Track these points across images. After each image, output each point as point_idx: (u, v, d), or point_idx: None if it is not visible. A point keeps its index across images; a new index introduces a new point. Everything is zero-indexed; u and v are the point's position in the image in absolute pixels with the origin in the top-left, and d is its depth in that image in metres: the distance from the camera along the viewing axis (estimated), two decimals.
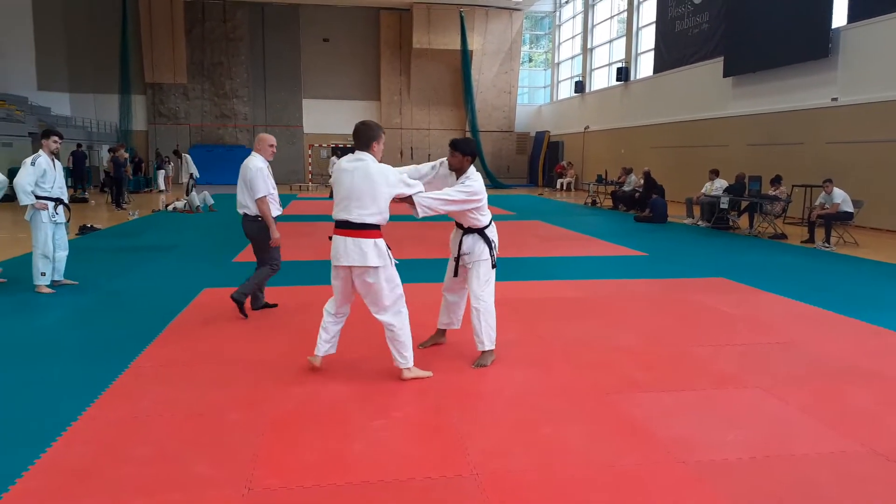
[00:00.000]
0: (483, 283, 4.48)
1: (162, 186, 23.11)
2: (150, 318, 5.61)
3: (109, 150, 19.03)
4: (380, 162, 4.07)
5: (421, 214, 4.17)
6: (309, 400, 3.83)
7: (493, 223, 4.58)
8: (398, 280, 4.12)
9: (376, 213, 3.95)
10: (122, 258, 8.90)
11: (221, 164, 28.48)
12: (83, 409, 3.62)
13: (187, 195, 16.83)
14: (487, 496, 2.77)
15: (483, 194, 4.37)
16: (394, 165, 4.28)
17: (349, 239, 3.94)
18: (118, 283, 7.19)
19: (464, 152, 4.38)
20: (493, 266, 4.53)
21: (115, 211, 15.88)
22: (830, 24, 14.29)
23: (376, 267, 3.94)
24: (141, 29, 27.69)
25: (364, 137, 4.04)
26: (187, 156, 18.83)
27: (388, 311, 4.07)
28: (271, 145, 5.95)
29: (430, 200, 4.13)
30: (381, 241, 3.99)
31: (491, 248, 4.51)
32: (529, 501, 2.75)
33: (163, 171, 23.64)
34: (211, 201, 16.34)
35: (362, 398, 3.86)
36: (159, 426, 3.44)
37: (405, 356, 4.14)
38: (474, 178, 4.34)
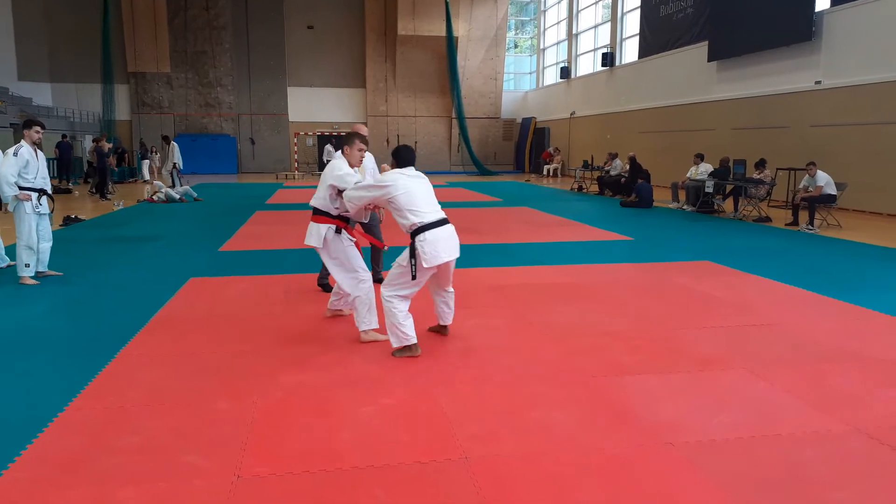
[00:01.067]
0: (387, 280, 4.43)
1: (146, 176, 22.93)
2: (137, 308, 5.57)
3: (93, 141, 18.80)
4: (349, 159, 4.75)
5: (347, 206, 4.53)
6: (298, 388, 3.83)
7: (432, 230, 4.25)
8: (345, 257, 4.64)
9: (320, 198, 4.69)
10: (108, 249, 8.83)
11: (206, 153, 28.32)
12: (70, 399, 3.60)
13: (173, 185, 16.72)
14: (477, 480, 2.79)
15: (392, 188, 4.26)
16: (380, 153, 4.36)
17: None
18: (104, 274, 7.14)
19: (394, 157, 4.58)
20: (413, 277, 4.25)
21: (100, 202, 15.72)
22: (814, 8, 14.34)
23: (316, 247, 4.68)
24: (123, 17, 27.32)
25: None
26: (175, 144, 18.64)
27: (343, 282, 4.70)
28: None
29: (348, 192, 4.48)
30: (323, 226, 4.63)
31: (412, 257, 4.23)
32: (519, 485, 2.77)
33: (147, 161, 23.45)
34: (193, 193, 16.17)
35: (351, 385, 3.86)
36: (147, 416, 3.43)
37: (361, 321, 4.63)
38: (391, 174, 4.44)
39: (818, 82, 14.38)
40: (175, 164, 18.07)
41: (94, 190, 17.01)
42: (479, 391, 3.80)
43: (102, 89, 27.70)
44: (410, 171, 4.45)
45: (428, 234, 4.21)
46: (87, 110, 27.40)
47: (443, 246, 4.26)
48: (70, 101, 27.07)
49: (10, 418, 3.39)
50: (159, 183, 16.29)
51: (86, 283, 6.71)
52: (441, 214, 4.37)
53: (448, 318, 4.81)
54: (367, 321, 4.63)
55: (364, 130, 6.00)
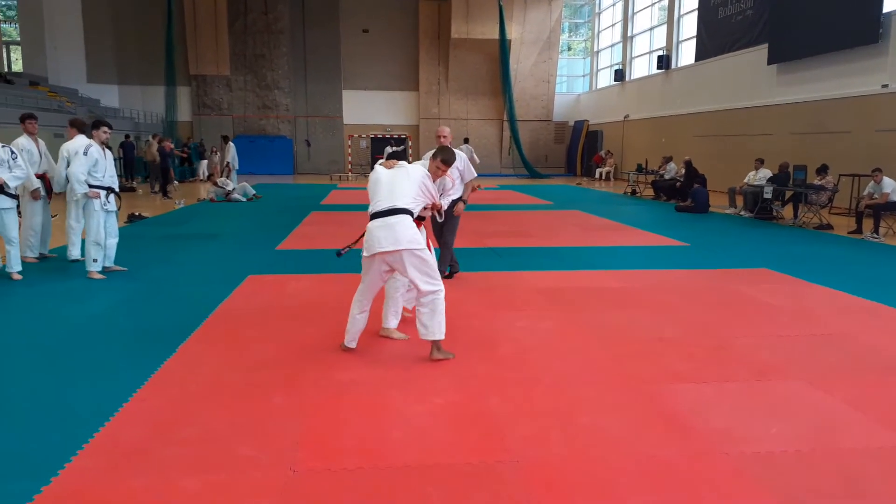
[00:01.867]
0: None
1: (203, 176, 23.60)
2: (197, 304, 5.75)
3: (156, 140, 19.41)
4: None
5: None
6: (351, 385, 3.90)
7: (374, 220, 4.30)
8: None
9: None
10: (170, 245, 9.13)
11: (263, 154, 28.96)
12: (134, 391, 3.75)
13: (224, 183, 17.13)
14: (529, 483, 2.80)
15: (372, 181, 4.54)
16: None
17: None
18: (166, 270, 7.39)
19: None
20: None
21: (162, 200, 16.24)
22: (881, 9, 13.82)
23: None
24: (185, 22, 28.17)
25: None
26: (232, 144, 19.12)
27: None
28: (441, 136, 6.39)
29: None
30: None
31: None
32: (569, 490, 2.77)
33: (205, 161, 24.09)
34: (252, 191, 16.53)
35: (403, 384, 3.92)
36: (206, 408, 3.54)
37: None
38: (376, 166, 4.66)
39: (885, 85, 13.85)
40: (228, 163, 18.50)
41: (160, 190, 17.60)
42: (529, 394, 3.81)
43: (166, 91, 28.63)
44: (404, 163, 4.58)
45: (370, 224, 4.28)
46: (151, 111, 28.35)
47: (375, 236, 4.21)
48: (135, 103, 28.05)
49: (78, 408, 3.55)
50: (225, 180, 16.63)
51: (149, 278, 6.95)
52: (394, 205, 4.24)
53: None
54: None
55: (444, 131, 6.26)
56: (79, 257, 7.50)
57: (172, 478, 2.81)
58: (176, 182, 19.45)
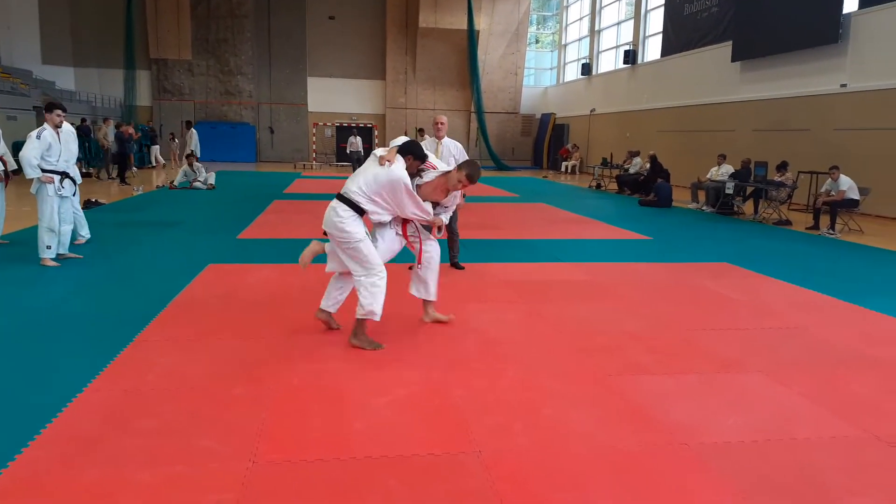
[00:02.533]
0: None
1: (154, 163, 23.03)
2: (155, 293, 5.62)
3: (104, 121, 18.83)
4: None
5: None
6: (313, 376, 3.85)
7: None
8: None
9: None
10: (127, 233, 8.91)
11: (225, 141, 28.48)
12: (88, 381, 3.65)
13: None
14: (490, 474, 2.79)
15: None
16: None
17: None
18: (123, 258, 7.21)
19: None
20: None
21: (120, 186, 15.86)
22: (842, 10, 14.14)
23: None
24: (146, 3, 27.50)
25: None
26: (194, 131, 18.71)
27: None
28: (439, 123, 6.47)
29: None
30: None
31: None
32: (532, 480, 2.77)
33: (157, 147, 23.45)
34: (211, 180, 16.16)
35: (366, 375, 3.88)
36: (164, 399, 3.46)
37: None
38: None
39: (843, 85, 14.19)
40: (192, 151, 18.14)
41: (113, 175, 17.15)
42: (493, 385, 3.80)
43: (124, 75, 27.94)
44: (399, 158, 4.36)
45: None
46: (110, 95, 27.62)
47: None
48: (93, 86, 27.31)
49: (30, 399, 3.44)
50: (198, 166, 16.19)
51: (105, 266, 6.78)
52: (342, 191, 4.34)
53: (331, 306, 4.68)
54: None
55: (442, 119, 6.30)
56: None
57: (128, 470, 2.74)
58: (135, 168, 19.00)
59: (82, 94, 26.35)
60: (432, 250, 4.76)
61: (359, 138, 22.33)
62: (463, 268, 6.98)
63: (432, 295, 4.85)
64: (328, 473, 2.76)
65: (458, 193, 4.76)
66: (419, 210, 4.41)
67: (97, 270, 6.55)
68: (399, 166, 4.28)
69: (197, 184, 15.53)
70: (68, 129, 6.86)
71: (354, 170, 22.26)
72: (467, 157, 6.45)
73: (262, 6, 29.01)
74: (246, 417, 3.26)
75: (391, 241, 4.61)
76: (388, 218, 4.44)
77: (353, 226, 4.24)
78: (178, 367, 3.93)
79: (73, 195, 7.06)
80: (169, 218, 10.63)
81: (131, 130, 18.81)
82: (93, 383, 3.63)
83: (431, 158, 4.66)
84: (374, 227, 4.56)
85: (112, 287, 5.95)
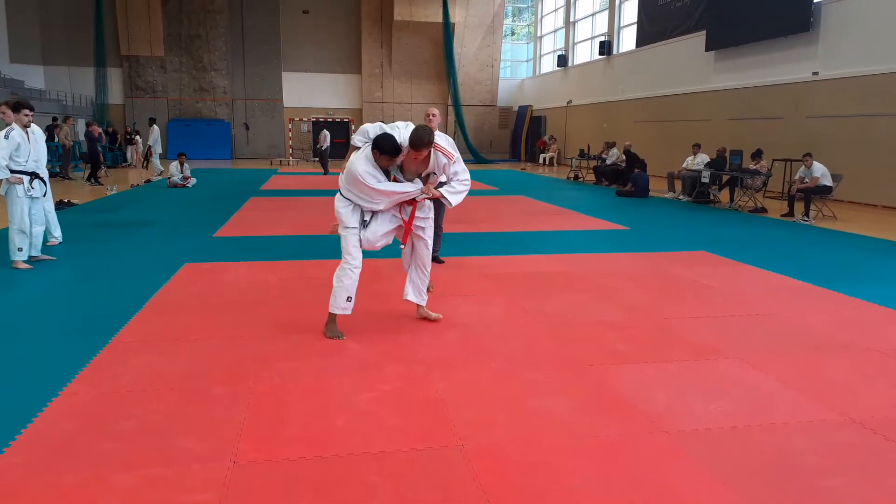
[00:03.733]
0: None
1: (131, 161, 22.73)
2: (131, 294, 5.55)
3: (65, 120, 18.48)
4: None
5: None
6: (294, 374, 3.83)
7: None
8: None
9: None
10: (101, 233, 8.79)
11: (200, 138, 28.18)
12: (64, 384, 3.59)
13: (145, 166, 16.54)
14: (472, 467, 2.79)
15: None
16: None
17: None
18: (97, 259, 7.11)
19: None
20: None
21: (92, 186, 15.61)
22: None
23: None
24: (116, 0, 27.06)
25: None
26: (155, 127, 18.41)
27: None
28: (430, 115, 6.38)
29: None
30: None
31: None
32: (514, 472, 2.78)
33: (133, 146, 23.18)
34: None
35: (347, 372, 3.86)
36: (142, 401, 3.42)
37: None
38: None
39: (815, 73, 14.37)
40: (150, 147, 17.85)
41: (69, 175, 16.83)
42: (475, 378, 3.81)
43: (95, 72, 27.49)
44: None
45: None
46: (80, 93, 27.17)
47: None
48: (63, 84, 26.83)
49: (5, 403, 3.37)
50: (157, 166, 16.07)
51: (79, 267, 6.68)
52: None
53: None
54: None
55: (433, 111, 6.31)
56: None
57: (106, 473, 2.70)
58: (104, 168, 18.65)
59: (52, 92, 25.87)
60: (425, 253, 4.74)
61: (327, 133, 21.42)
62: (443, 261, 6.97)
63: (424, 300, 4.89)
64: (310, 471, 2.75)
65: (445, 162, 4.58)
66: (390, 198, 4.36)
67: (71, 272, 6.45)
68: (358, 159, 4.27)
69: (175, 179, 15.36)
70: (37, 129, 6.74)
71: (323, 166, 21.92)
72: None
73: (236, 1, 28.70)
74: (226, 417, 3.23)
75: (384, 222, 4.49)
76: (376, 207, 4.39)
77: (345, 215, 4.36)
78: (156, 367, 3.88)
79: (45, 196, 6.94)
80: (144, 217, 10.50)
81: (100, 129, 18.49)
82: (69, 386, 3.57)
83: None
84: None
85: (86, 288, 5.86)
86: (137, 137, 23.15)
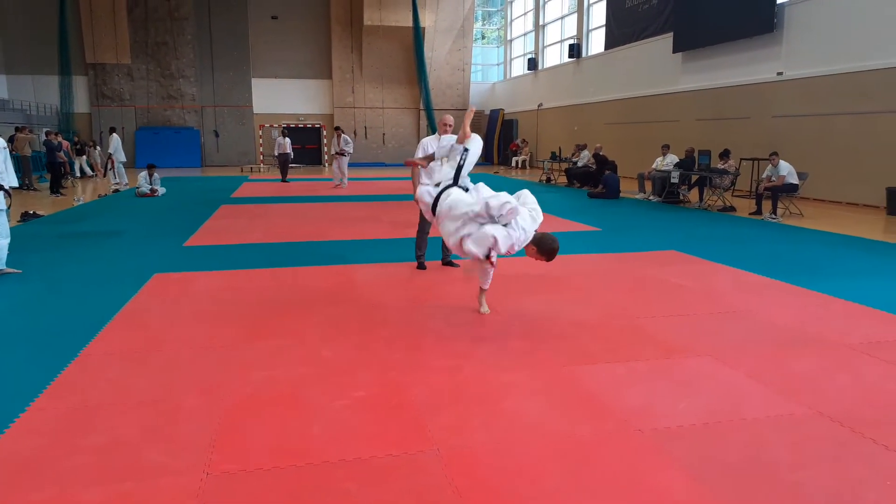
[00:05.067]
0: None
1: (78, 173, 21.97)
2: (99, 306, 5.46)
3: (22, 130, 18.06)
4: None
5: None
6: (268, 383, 3.79)
7: None
8: None
9: None
10: (69, 245, 8.63)
11: (169, 146, 27.83)
12: (32, 399, 3.51)
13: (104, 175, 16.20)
14: (448, 471, 2.79)
15: None
16: None
17: None
18: (64, 271, 6.98)
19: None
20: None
21: (55, 197, 15.29)
22: (776, 0, 14.57)
23: None
24: (80, 7, 26.64)
25: None
26: (115, 136, 17.99)
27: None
28: (446, 124, 6.53)
29: None
30: None
31: None
32: (490, 475, 2.78)
33: (84, 157, 22.42)
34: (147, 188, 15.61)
35: (321, 380, 3.84)
36: (111, 414, 3.36)
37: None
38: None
39: (780, 73, 14.64)
40: (111, 154, 17.48)
41: (31, 186, 16.47)
42: (450, 382, 3.80)
43: (60, 81, 27.00)
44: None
45: None
46: (45, 102, 26.66)
47: None
48: (26, 93, 26.30)
49: None
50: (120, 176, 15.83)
51: (46, 280, 6.55)
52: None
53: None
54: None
55: (449, 119, 6.54)
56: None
57: (75, 490, 2.65)
58: (70, 178, 18.31)
59: (15, 102, 25.36)
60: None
61: (287, 139, 20.02)
62: (458, 265, 6.93)
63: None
64: (285, 481, 2.73)
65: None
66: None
67: (37, 285, 6.33)
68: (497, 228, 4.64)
69: (143, 189, 15.14)
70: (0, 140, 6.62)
71: (283, 173, 21.40)
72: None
73: (203, 8, 28.40)
74: (198, 429, 3.19)
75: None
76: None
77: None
78: (126, 380, 3.82)
79: (9, 208, 6.80)
80: (112, 228, 10.34)
81: (60, 138, 18.08)
82: (36, 402, 3.50)
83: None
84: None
85: (54, 301, 5.75)
86: (90, 149, 22.40)
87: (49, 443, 3.05)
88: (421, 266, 6.95)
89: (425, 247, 7.03)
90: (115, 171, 17.65)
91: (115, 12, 26.95)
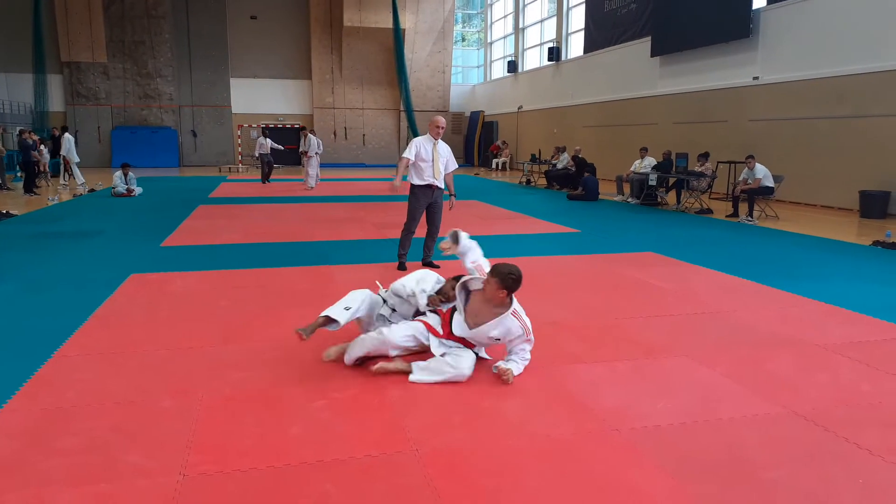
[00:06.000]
0: None
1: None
2: (74, 306, 5.38)
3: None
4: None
5: None
6: (246, 384, 3.76)
7: None
8: None
9: None
10: (42, 245, 8.50)
11: (146, 146, 27.51)
12: (4, 400, 3.46)
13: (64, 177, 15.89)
14: (427, 471, 2.79)
15: None
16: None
17: None
18: (38, 271, 6.87)
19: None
20: None
21: (29, 197, 15.04)
22: (751, 6, 14.78)
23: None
24: (55, 4, 26.24)
25: None
26: (67, 136, 17.54)
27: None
28: (438, 127, 6.76)
29: None
30: None
31: None
32: (469, 474, 2.79)
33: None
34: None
35: (300, 381, 3.81)
36: (87, 416, 3.31)
37: None
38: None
39: (756, 78, 14.83)
40: (64, 157, 17.09)
41: (23, 186, 16.17)
42: (428, 385, 3.79)
43: (34, 79, 26.57)
44: None
45: None
46: (19, 101, 26.22)
47: None
48: (0, 92, 25.86)
49: None
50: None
51: (19, 280, 6.44)
52: None
53: None
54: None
55: (441, 122, 6.72)
56: None
57: (50, 491, 2.61)
58: (45, 179, 17.93)
59: None
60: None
61: (269, 140, 19.29)
62: (438, 266, 6.96)
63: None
64: (262, 482, 2.71)
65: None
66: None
67: (10, 285, 6.22)
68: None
69: (119, 189, 14.95)
70: None
71: (264, 174, 20.93)
72: (454, 159, 7.01)
73: (180, 6, 28.13)
74: (175, 430, 3.16)
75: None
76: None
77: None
78: (102, 381, 3.77)
79: None
80: (87, 227, 10.20)
81: (35, 136, 17.70)
82: (9, 403, 3.44)
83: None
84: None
85: (27, 302, 5.66)
86: (43, 147, 21.67)
87: (23, 444, 3.00)
88: (402, 266, 6.94)
89: (409, 246, 7.03)
90: (72, 172, 17.25)
91: (90, 10, 26.58)
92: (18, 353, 4.24)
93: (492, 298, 3.87)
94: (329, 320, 4.00)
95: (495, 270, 3.86)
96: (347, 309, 4.04)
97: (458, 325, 3.97)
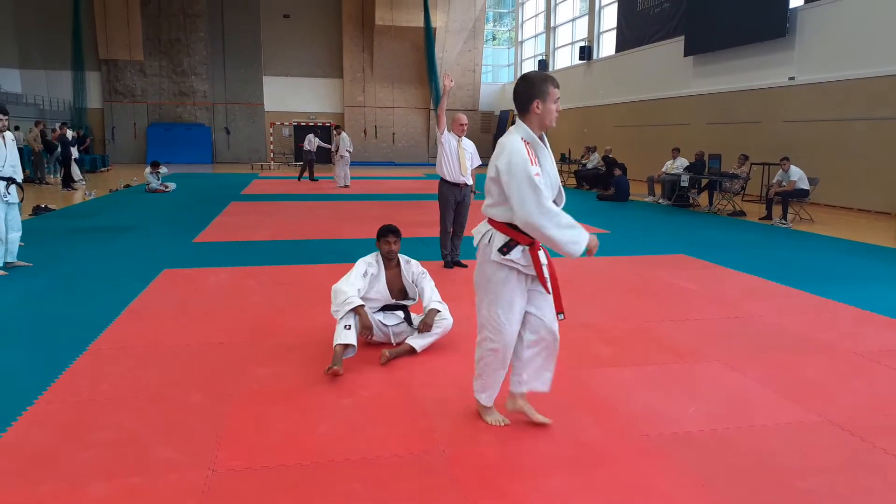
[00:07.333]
0: None
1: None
2: (109, 300, 5.48)
3: (36, 124, 18.09)
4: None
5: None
6: (275, 380, 3.80)
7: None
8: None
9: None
10: (79, 239, 8.68)
11: (180, 143, 27.96)
12: (40, 392, 3.53)
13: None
14: (454, 472, 2.79)
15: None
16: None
17: None
18: (75, 265, 7.01)
19: None
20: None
21: (65, 192, 15.35)
22: (788, 4, 14.50)
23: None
24: (94, 2, 26.77)
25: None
26: (68, 131, 17.76)
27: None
28: (461, 124, 6.99)
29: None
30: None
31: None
32: (496, 477, 2.78)
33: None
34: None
35: (328, 378, 3.83)
36: (120, 409, 3.37)
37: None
38: None
39: (792, 78, 14.55)
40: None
41: (61, 181, 16.52)
42: (457, 384, 3.78)
43: (73, 76, 27.16)
44: None
45: None
46: (58, 97, 26.82)
47: None
48: (40, 88, 26.47)
49: None
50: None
51: (56, 274, 6.59)
52: None
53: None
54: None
55: (463, 119, 6.94)
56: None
57: (83, 483, 2.66)
58: (78, 175, 18.27)
59: (29, 96, 25.53)
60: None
61: (317, 139, 19.68)
62: (465, 266, 7.11)
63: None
64: (290, 479, 2.73)
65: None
66: None
67: (47, 279, 6.36)
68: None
69: (153, 185, 15.23)
70: (10, 134, 6.65)
71: (307, 170, 20.87)
72: (478, 156, 7.25)
73: (215, 5, 28.52)
74: (205, 425, 3.20)
75: None
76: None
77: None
78: (134, 375, 3.84)
79: (22, 201, 6.83)
80: (122, 223, 10.39)
81: (72, 132, 18.04)
82: (45, 395, 3.52)
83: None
84: None
85: (63, 295, 5.78)
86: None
87: (57, 436, 3.06)
88: (447, 265, 7.08)
89: (449, 245, 7.07)
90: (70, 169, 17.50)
91: (128, 9, 27.07)
92: (54, 346, 4.34)
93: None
94: (345, 346, 3.98)
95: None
96: (348, 328, 4.00)
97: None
